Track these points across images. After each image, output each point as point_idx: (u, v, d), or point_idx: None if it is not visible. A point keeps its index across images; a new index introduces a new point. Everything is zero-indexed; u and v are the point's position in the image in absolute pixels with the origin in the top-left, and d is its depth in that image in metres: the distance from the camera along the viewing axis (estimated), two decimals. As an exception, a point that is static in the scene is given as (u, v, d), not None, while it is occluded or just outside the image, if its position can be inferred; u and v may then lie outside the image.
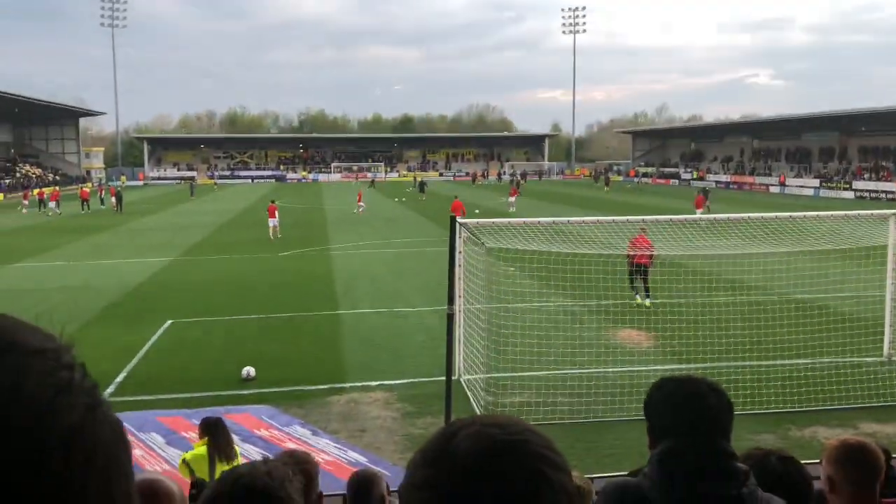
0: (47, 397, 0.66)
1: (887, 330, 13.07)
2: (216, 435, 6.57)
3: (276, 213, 32.65)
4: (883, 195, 59.84)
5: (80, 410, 0.68)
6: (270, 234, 31.75)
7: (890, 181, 61.49)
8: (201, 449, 6.53)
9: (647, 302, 16.69)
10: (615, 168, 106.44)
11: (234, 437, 9.85)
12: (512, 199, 47.04)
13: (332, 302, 18.82)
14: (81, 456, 0.67)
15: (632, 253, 16.44)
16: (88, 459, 0.67)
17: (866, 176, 64.99)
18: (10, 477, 0.62)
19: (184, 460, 6.62)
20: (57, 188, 62.29)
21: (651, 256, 16.65)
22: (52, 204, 49.83)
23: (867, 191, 61.95)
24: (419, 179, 70.31)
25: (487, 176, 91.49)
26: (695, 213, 30.14)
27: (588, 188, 75.41)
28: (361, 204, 46.10)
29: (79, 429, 0.67)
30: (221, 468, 6.38)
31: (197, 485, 5.25)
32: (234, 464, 6.53)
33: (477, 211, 39.95)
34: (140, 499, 1.93)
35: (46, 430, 0.65)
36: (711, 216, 14.85)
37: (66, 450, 0.65)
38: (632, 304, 16.79)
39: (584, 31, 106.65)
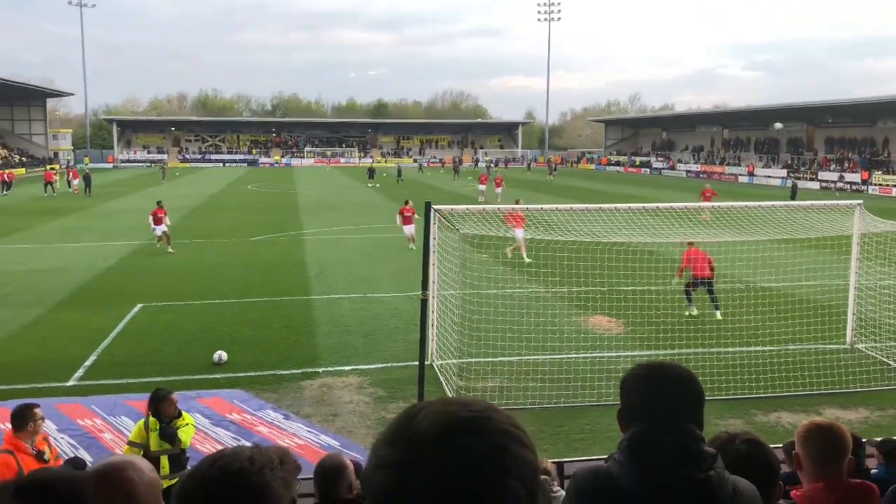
0: None
1: (850, 318, 13.39)
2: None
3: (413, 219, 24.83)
4: (848, 186, 60.98)
5: None
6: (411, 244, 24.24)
7: (855, 172, 62.69)
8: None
9: (719, 314, 15.00)
10: (588, 156, 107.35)
11: (205, 421, 9.86)
12: (482, 187, 45.14)
13: (305, 287, 18.76)
14: None
15: (690, 266, 15.36)
16: None
17: (832, 167, 66.17)
18: None
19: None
20: (9, 170, 59.74)
21: (713, 269, 15.37)
22: None
23: (832, 181, 63.08)
24: (369, 166, 66.88)
25: (460, 163, 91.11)
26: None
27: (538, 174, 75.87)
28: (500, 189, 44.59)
29: None
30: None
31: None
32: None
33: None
34: (106, 479, 1.92)
35: None
36: (683, 204, 15.01)
37: None
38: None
39: (559, 18, 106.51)
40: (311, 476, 4.51)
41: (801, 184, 64.69)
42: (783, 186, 63.71)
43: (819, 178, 65.18)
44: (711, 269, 15.34)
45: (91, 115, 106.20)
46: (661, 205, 14.01)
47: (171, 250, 23.89)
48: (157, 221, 24.54)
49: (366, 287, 18.70)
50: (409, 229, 24.49)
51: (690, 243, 15.70)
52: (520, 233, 20.41)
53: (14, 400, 9.42)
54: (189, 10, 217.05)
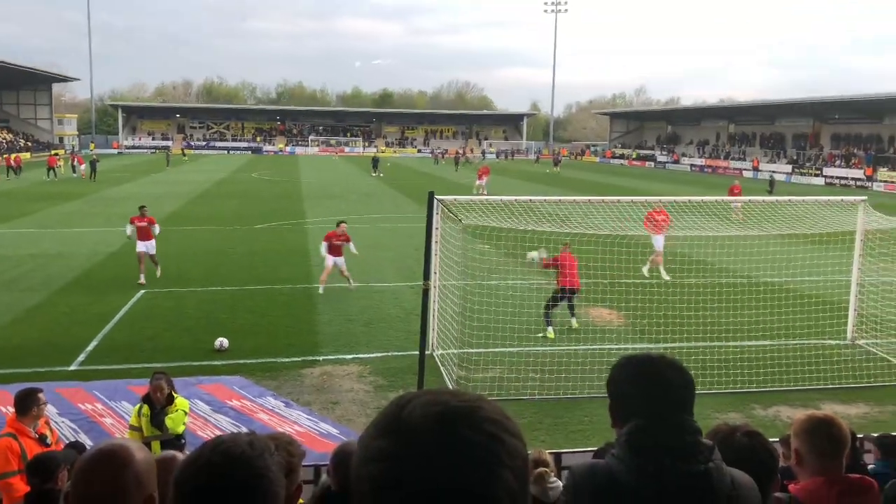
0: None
1: (851, 314, 13.39)
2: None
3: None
4: (852, 182, 60.79)
5: None
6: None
7: (860, 168, 62.46)
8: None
9: (574, 322, 13.96)
10: (592, 148, 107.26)
11: (206, 407, 9.90)
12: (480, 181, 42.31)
13: (307, 275, 18.78)
14: None
15: (562, 275, 13.50)
16: None
17: (837, 163, 65.94)
18: None
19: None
20: (16, 154, 59.54)
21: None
22: None
23: (837, 177, 62.89)
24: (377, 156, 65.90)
25: (464, 154, 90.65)
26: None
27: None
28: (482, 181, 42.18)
29: None
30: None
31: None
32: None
33: None
34: (100, 464, 1.92)
35: None
36: (686, 198, 14.98)
37: None
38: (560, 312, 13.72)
39: (566, 10, 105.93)
40: (310, 463, 4.54)
41: (805, 179, 64.89)
42: (787, 182, 63.71)
43: (824, 174, 64.95)
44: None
45: (97, 100, 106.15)
46: (692, 198, 13.89)
47: (142, 280, 17.06)
48: (144, 235, 17.44)
49: (368, 276, 18.70)
50: (337, 261, 16.78)
51: (567, 245, 13.91)
52: (660, 241, 17.68)
53: (16, 383, 9.49)
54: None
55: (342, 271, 16.73)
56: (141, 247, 17.44)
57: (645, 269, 18.08)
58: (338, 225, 17.27)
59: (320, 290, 16.45)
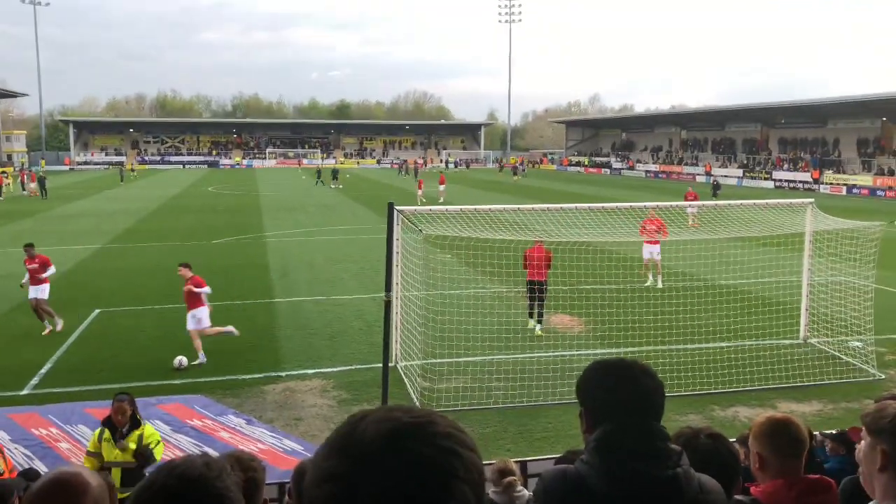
0: None
1: (803, 314, 13.75)
2: None
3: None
4: (800, 185, 62.52)
5: None
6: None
7: (806, 171, 64.27)
8: None
9: (538, 330, 14.13)
10: (549, 156, 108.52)
11: (166, 428, 9.73)
12: (441, 187, 46.33)
13: (267, 290, 18.59)
14: None
15: (528, 269, 14.25)
16: None
17: (785, 166, 67.74)
18: None
19: None
20: None
21: (549, 266, 14.31)
22: None
23: (786, 181, 64.61)
24: (325, 168, 68.92)
25: (423, 165, 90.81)
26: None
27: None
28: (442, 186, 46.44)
29: None
30: None
31: None
32: None
33: None
34: (55, 492, 1.86)
35: None
36: (641, 204, 15.26)
37: None
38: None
39: (521, 20, 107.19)
40: (275, 481, 4.50)
41: (756, 183, 66.61)
42: (739, 186, 65.22)
43: (774, 177, 66.66)
44: (548, 268, 14.23)
45: (46, 116, 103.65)
46: (648, 204, 14.24)
47: (46, 330, 14.33)
48: (34, 278, 14.62)
49: (329, 289, 18.60)
50: (195, 315, 12.69)
51: (540, 242, 14.29)
52: (652, 251, 18.07)
53: (-33, 410, 9.19)
54: (148, 9, 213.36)
55: (204, 331, 12.55)
56: (33, 293, 14.55)
57: (659, 281, 18.28)
58: (180, 268, 12.95)
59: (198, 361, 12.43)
